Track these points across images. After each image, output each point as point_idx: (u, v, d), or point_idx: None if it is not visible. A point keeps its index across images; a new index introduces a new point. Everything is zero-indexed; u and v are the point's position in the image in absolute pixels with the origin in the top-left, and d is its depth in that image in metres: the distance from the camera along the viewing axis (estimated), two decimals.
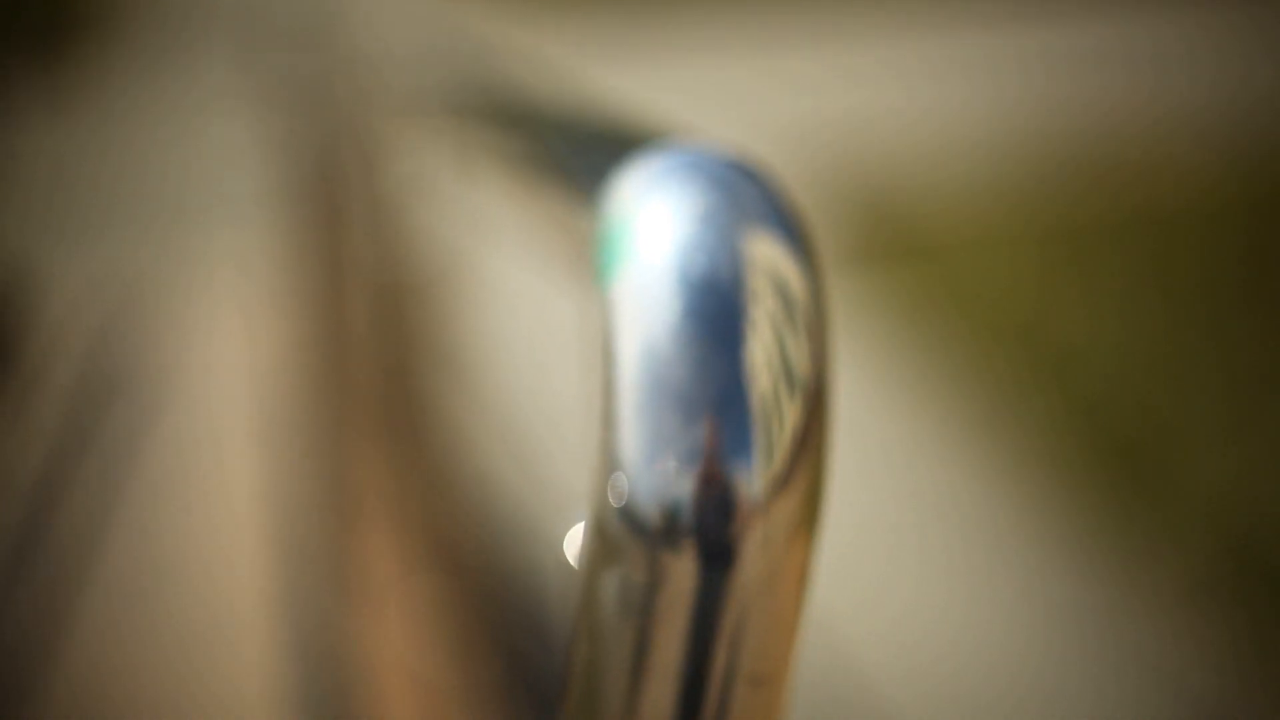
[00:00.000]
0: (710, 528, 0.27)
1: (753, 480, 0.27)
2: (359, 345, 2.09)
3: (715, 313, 0.28)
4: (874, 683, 1.69)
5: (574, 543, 0.38)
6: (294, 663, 1.60)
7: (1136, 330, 2.84)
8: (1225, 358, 2.73)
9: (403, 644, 1.59)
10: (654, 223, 0.29)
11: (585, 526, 0.29)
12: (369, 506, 1.88)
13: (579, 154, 0.35)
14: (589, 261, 0.31)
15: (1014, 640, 1.80)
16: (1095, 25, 6.98)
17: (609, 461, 0.28)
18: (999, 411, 2.43)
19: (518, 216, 0.45)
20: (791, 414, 0.28)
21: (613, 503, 0.28)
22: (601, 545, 0.28)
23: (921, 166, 4.39)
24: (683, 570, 0.28)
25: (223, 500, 2.05)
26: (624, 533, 0.28)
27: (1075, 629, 1.85)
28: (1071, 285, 3.11)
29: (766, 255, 0.29)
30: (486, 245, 1.36)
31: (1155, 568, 1.99)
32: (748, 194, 0.30)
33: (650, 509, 0.27)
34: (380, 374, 1.94)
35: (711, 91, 6.11)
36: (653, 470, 0.27)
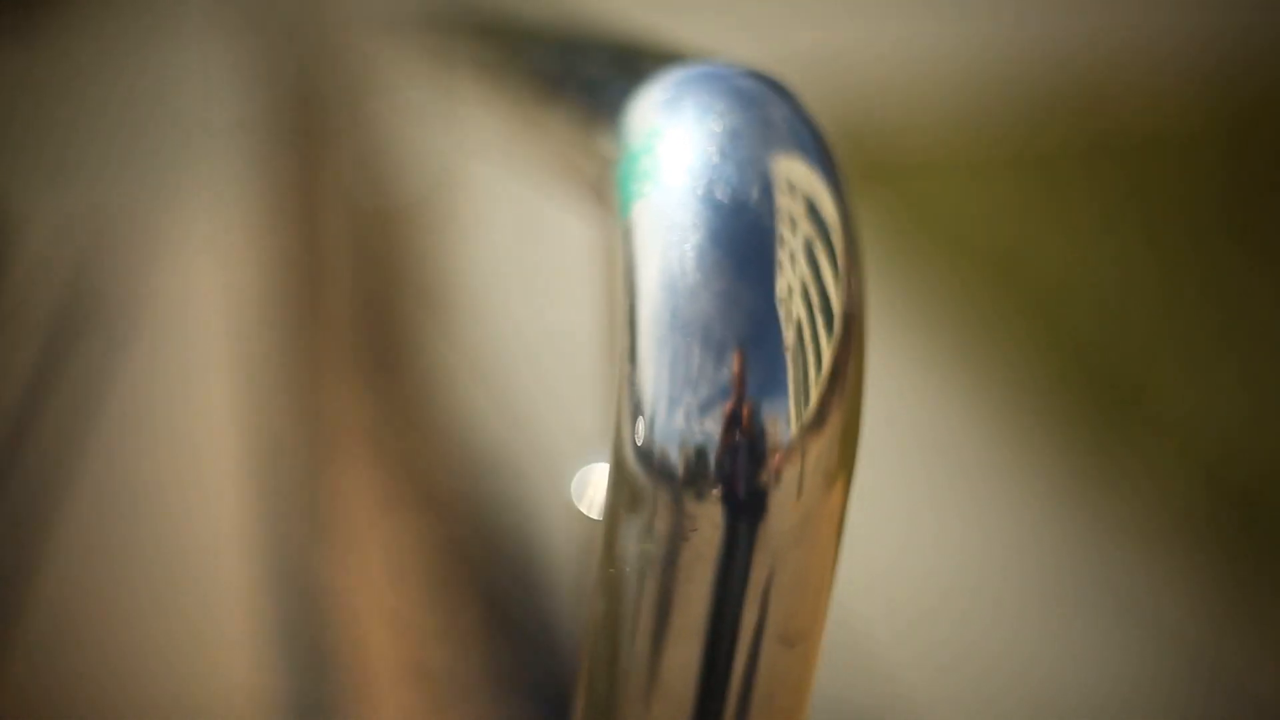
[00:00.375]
0: (739, 473, 0.25)
1: (786, 421, 0.25)
2: (337, 274, 2.10)
3: (745, 239, 0.26)
4: (852, 616, 1.68)
5: (583, 486, 0.36)
6: (270, 597, 1.56)
7: (1114, 258, 2.84)
8: (1204, 286, 2.73)
9: (380, 581, 1.56)
10: (677, 143, 0.26)
11: (606, 471, 0.27)
12: (346, 440, 1.83)
13: (586, 74, 0.33)
14: (602, 188, 0.29)
15: (989, 575, 1.80)
16: None
17: (630, 402, 0.26)
18: (976, 339, 2.42)
19: (510, 140, 0.42)
20: (826, 349, 0.26)
21: (634, 446, 0.25)
22: (622, 492, 0.26)
23: (895, 95, 4.36)
24: (709, 519, 0.26)
25: (199, 431, 2.04)
26: (646, 479, 0.26)
27: (1052, 562, 1.85)
28: (1049, 213, 3.10)
29: (797, 177, 0.26)
30: (474, 172, 1.33)
31: (1134, 499, 1.99)
32: (774, 113, 0.27)
33: (674, 453, 0.25)
34: (359, 304, 1.92)
35: (682, 19, 6.02)
36: (677, 411, 0.25)
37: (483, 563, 1.38)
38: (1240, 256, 2.91)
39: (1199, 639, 1.78)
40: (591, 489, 0.34)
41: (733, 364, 0.25)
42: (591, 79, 0.31)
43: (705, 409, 0.25)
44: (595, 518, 0.33)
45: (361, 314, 1.87)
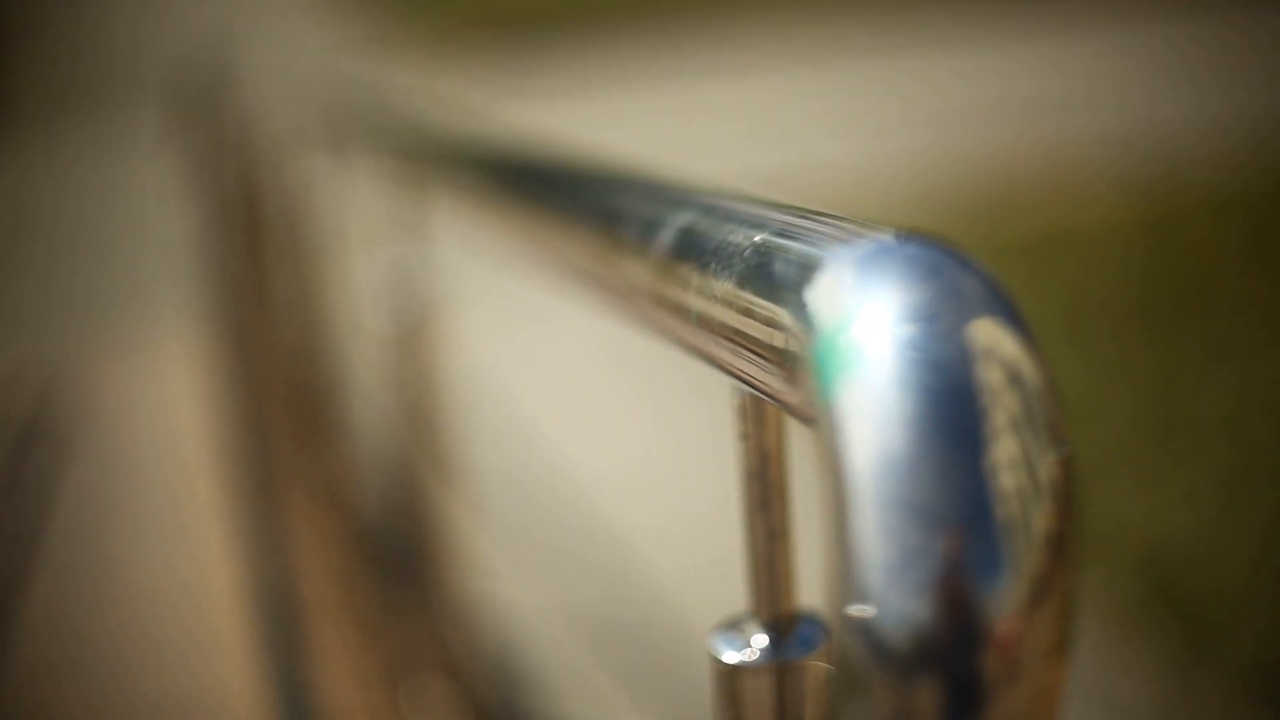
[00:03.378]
0: (959, 655, 0.25)
1: (1005, 600, 0.25)
2: (279, 362, 2.41)
3: (952, 414, 0.25)
4: None
5: (717, 640, 0.35)
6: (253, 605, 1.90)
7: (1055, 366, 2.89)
8: (1126, 382, 2.79)
9: (326, 582, 2.00)
10: (875, 322, 0.26)
11: (828, 654, 0.26)
12: (293, 489, 2.29)
13: (744, 249, 0.33)
14: (785, 366, 0.29)
15: None
16: (997, 55, 7.17)
17: (846, 581, 0.25)
18: None
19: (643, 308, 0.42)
20: (1041, 522, 0.25)
21: (853, 626, 0.25)
22: (841, 670, 0.25)
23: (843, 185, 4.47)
24: (930, 701, 0.25)
25: (178, 490, 2.43)
26: (865, 658, 0.25)
27: None
28: None
29: (996, 346, 0.26)
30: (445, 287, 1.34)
31: (1085, 598, 2.02)
32: (962, 282, 0.27)
33: (893, 633, 0.25)
34: (296, 390, 2.15)
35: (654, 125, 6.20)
36: (895, 591, 0.25)
37: (394, 564, 1.57)
38: (1161, 351, 2.98)
39: (1145, 710, 1.82)
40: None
41: (950, 542, 0.25)
42: (756, 253, 0.31)
43: (924, 589, 0.25)
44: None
45: (298, 395, 2.08)
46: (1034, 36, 7.66)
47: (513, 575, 2.84)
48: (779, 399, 0.30)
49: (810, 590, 0.33)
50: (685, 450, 3.48)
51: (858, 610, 0.25)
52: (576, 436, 3.80)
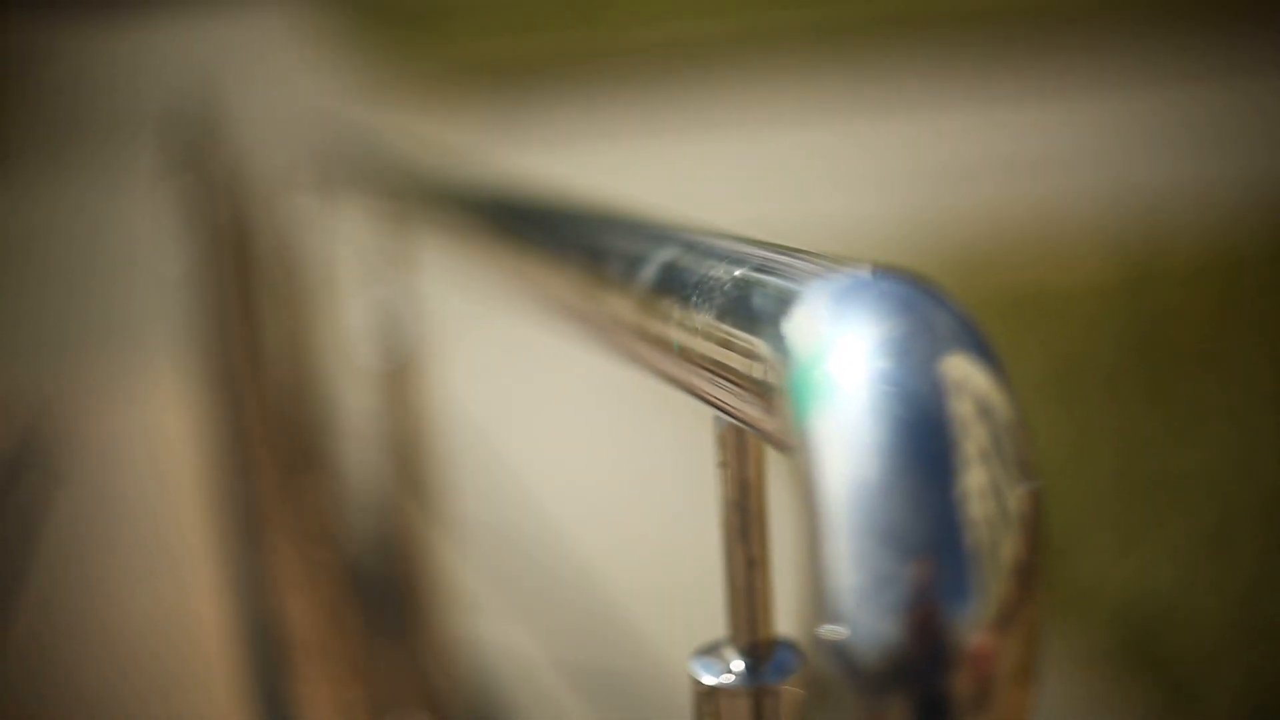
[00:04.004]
0: (927, 676, 0.26)
1: (973, 625, 0.26)
2: (267, 397, 2.49)
3: (924, 444, 0.26)
4: None
5: (696, 665, 0.36)
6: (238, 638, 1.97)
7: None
8: (1119, 456, 2.81)
9: (311, 617, 2.09)
10: (849, 354, 0.27)
11: (804, 679, 0.27)
12: (279, 523, 2.39)
13: (720, 283, 0.34)
14: (761, 396, 0.30)
15: None
16: (981, 117, 7.25)
17: (819, 604, 0.26)
18: None
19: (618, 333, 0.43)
20: (1008, 550, 0.26)
21: (824, 646, 0.26)
22: (813, 689, 0.26)
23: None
24: None
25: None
26: (836, 677, 0.26)
27: None
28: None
29: (966, 379, 0.27)
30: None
31: (1064, 660, 2.04)
32: (935, 317, 0.28)
33: (864, 654, 0.26)
34: (283, 426, 2.23)
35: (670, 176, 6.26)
36: (865, 613, 0.26)
37: (373, 600, 1.62)
38: (1146, 410, 3.00)
39: None
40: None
41: (920, 568, 0.26)
42: (732, 288, 0.32)
43: (894, 612, 0.25)
44: None
45: (285, 435, 2.14)
46: (1024, 99, 7.76)
47: (496, 611, 2.84)
48: (757, 428, 0.31)
49: (788, 616, 0.34)
50: (665, 479, 3.50)
51: (830, 632, 0.26)
52: (559, 469, 3.81)
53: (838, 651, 0.26)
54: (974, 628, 0.26)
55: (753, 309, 0.30)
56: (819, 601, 0.26)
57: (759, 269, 0.31)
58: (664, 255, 0.36)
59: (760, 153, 6.90)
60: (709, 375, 0.33)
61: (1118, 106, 7.31)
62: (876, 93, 8.35)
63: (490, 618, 2.81)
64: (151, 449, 3.29)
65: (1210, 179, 5.22)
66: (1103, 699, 1.97)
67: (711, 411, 0.34)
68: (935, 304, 0.29)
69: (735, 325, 0.31)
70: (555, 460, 3.87)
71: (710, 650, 0.36)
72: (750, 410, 0.30)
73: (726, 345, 0.31)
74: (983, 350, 0.28)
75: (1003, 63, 8.88)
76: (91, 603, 2.40)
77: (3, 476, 2.99)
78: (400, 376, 1.03)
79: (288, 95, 9.68)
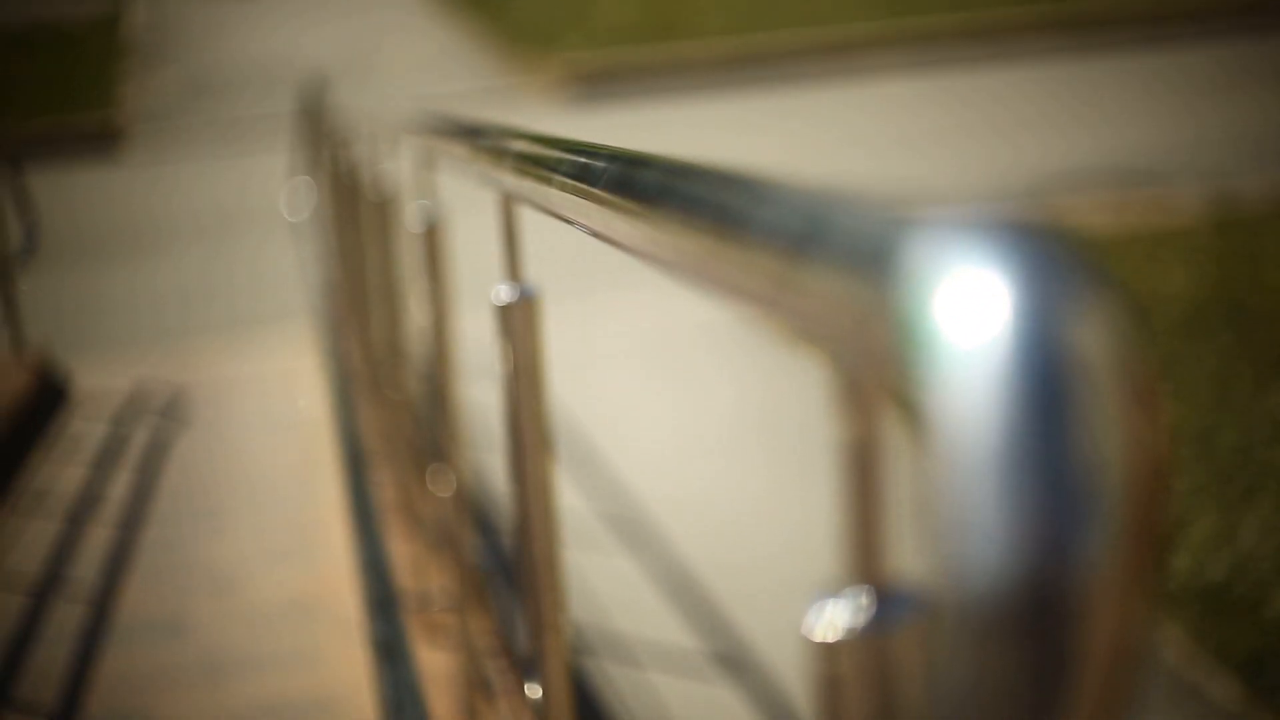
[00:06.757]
0: (1047, 612, 0.26)
1: (1093, 563, 0.26)
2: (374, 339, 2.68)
3: (1044, 387, 0.26)
4: None
5: (815, 611, 0.36)
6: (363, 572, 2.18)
7: None
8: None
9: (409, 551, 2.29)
10: (966, 297, 0.27)
11: (926, 624, 0.27)
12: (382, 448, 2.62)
13: (834, 230, 0.34)
14: (867, 342, 0.30)
15: None
16: None
17: (943, 543, 0.26)
18: None
19: (755, 295, 0.43)
20: (1127, 493, 0.26)
21: (951, 596, 0.26)
22: (941, 641, 0.26)
23: None
24: (1024, 668, 0.26)
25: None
26: (963, 628, 0.26)
27: None
28: None
29: (1087, 321, 0.27)
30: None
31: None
32: (1071, 273, 0.28)
33: (987, 591, 0.26)
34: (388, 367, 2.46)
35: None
36: (988, 552, 0.26)
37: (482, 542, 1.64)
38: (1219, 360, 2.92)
39: None
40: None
41: (1045, 516, 0.26)
42: (840, 235, 0.32)
43: (1020, 556, 0.26)
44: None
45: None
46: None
47: (611, 548, 2.88)
48: (878, 374, 0.31)
49: (907, 562, 0.34)
50: (779, 428, 3.51)
51: (957, 579, 0.26)
52: (662, 421, 3.84)
53: (963, 598, 0.26)
54: (1098, 573, 0.26)
55: (879, 257, 0.30)
56: (944, 548, 0.26)
57: (883, 221, 0.31)
58: (785, 207, 0.36)
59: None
60: (828, 322, 0.33)
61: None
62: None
63: (606, 553, 2.85)
64: (279, 386, 3.41)
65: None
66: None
67: (829, 359, 0.34)
68: (1069, 257, 0.28)
69: (857, 274, 0.31)
70: (659, 412, 3.92)
71: (829, 596, 0.36)
72: (870, 357, 0.31)
73: (846, 292, 0.31)
74: (1118, 305, 0.28)
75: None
76: (212, 544, 2.47)
77: (147, 421, 3.12)
78: (509, 315, 1.04)
79: (405, 84, 10.10)
